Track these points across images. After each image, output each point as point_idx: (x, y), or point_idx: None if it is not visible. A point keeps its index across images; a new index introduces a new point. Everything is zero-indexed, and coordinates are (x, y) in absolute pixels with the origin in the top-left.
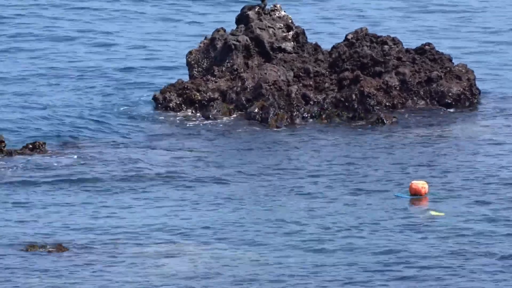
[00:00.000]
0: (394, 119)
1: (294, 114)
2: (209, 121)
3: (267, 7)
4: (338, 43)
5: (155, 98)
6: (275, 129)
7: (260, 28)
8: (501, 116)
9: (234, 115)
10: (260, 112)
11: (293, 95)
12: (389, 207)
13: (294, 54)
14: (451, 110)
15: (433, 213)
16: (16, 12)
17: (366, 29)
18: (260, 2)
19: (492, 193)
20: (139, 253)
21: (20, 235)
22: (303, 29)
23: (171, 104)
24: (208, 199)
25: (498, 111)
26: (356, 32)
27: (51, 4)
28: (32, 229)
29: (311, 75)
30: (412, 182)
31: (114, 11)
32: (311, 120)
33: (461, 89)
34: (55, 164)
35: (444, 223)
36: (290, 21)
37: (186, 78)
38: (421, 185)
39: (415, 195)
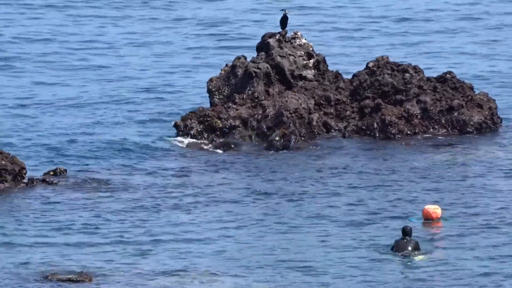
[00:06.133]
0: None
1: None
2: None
3: (288, 34)
4: (359, 71)
5: (176, 125)
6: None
7: (280, 56)
8: None
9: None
10: (281, 140)
11: (314, 123)
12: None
13: (315, 82)
14: (475, 135)
15: (419, 258)
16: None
17: (387, 57)
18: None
19: (508, 222)
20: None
21: (42, 264)
22: (324, 57)
23: (192, 132)
24: (226, 227)
25: None
26: (377, 60)
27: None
28: (54, 257)
29: (332, 103)
30: (425, 206)
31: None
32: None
33: (483, 118)
34: (75, 192)
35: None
36: (311, 48)
37: (207, 105)
38: (432, 209)
39: (427, 219)
